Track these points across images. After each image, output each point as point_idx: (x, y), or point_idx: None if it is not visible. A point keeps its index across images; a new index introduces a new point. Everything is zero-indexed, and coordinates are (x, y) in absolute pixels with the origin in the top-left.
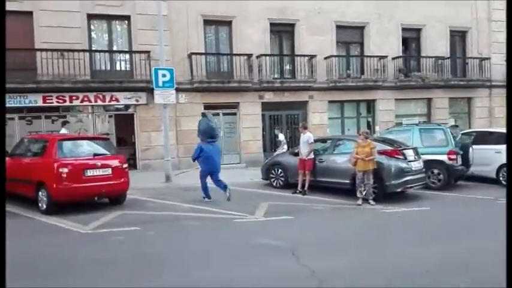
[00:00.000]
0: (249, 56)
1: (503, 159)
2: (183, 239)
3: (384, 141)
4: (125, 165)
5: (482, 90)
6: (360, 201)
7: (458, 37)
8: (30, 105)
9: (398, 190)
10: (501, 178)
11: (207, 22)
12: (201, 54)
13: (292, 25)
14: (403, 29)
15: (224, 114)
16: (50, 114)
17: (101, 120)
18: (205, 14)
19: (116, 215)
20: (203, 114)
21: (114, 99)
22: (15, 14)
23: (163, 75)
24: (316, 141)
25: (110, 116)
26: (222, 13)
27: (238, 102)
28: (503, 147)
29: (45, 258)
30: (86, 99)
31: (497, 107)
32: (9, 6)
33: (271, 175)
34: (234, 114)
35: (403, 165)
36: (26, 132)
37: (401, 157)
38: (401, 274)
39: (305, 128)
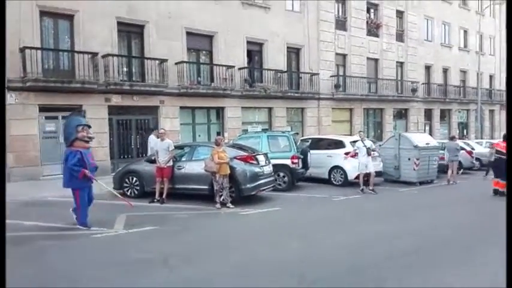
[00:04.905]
0: (94, 54)
1: (333, 162)
2: (43, 262)
3: (240, 147)
4: None
5: (312, 101)
6: (218, 205)
7: (294, 53)
8: None
9: (253, 193)
10: (332, 179)
11: (45, 14)
12: (36, 48)
13: (142, 27)
14: (248, 42)
15: (64, 117)
16: None
17: None
18: (42, 4)
19: None
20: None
21: None
22: None
23: None
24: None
25: None
26: (63, 5)
27: (82, 105)
28: (333, 152)
29: None
30: None
31: (324, 116)
32: None
33: (125, 184)
34: None
35: (257, 169)
36: None
37: (254, 162)
38: (287, 269)
39: (163, 134)
